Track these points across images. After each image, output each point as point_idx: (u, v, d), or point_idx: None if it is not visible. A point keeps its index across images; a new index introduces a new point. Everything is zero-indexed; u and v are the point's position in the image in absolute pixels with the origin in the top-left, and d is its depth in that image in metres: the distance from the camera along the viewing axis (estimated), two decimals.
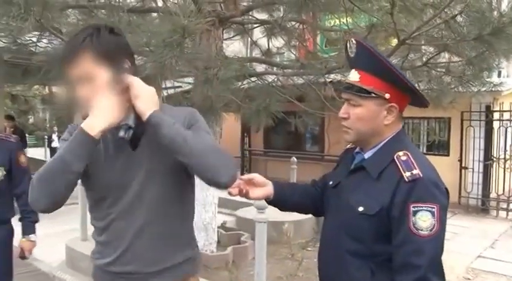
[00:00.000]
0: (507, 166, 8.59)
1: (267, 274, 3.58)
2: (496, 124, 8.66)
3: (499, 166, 8.56)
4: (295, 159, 7.99)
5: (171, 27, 2.90)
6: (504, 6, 3.57)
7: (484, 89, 5.15)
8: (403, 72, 1.47)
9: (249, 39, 6.39)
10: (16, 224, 2.90)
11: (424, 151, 9.04)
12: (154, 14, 4.75)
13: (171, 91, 5.64)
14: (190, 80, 5.09)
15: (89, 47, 1.38)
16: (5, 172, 2.74)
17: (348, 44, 1.51)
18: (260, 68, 5.76)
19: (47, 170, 1.33)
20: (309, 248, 5.70)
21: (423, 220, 1.30)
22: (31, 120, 23.02)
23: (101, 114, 1.33)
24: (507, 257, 5.78)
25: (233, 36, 6.16)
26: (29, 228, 2.88)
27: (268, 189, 1.70)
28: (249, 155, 12.20)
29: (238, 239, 5.44)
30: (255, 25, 5.98)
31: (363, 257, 1.42)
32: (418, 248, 1.29)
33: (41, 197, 1.33)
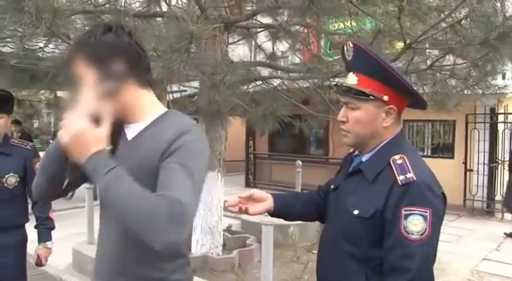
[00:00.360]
0: None
1: (272, 276, 3.61)
2: (500, 126, 8.68)
3: (503, 168, 8.53)
4: (300, 162, 7.98)
5: (178, 32, 2.93)
6: (510, 10, 3.58)
7: (488, 91, 5.14)
8: (401, 74, 1.46)
9: (254, 43, 6.43)
10: (30, 230, 2.91)
11: (429, 154, 9.06)
12: (159, 19, 4.79)
13: (176, 95, 5.68)
14: (195, 84, 5.12)
15: (80, 48, 1.31)
16: (19, 179, 2.77)
17: (344, 47, 1.51)
18: (265, 72, 5.80)
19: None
20: (314, 251, 5.68)
21: (414, 223, 1.29)
22: (36, 125, 23.13)
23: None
24: None
25: (238, 41, 6.21)
26: (45, 235, 2.89)
27: (268, 203, 1.70)
28: (254, 159, 12.18)
29: (243, 242, 5.46)
30: (260, 29, 6.02)
31: (359, 261, 1.42)
32: (408, 252, 1.28)
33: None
